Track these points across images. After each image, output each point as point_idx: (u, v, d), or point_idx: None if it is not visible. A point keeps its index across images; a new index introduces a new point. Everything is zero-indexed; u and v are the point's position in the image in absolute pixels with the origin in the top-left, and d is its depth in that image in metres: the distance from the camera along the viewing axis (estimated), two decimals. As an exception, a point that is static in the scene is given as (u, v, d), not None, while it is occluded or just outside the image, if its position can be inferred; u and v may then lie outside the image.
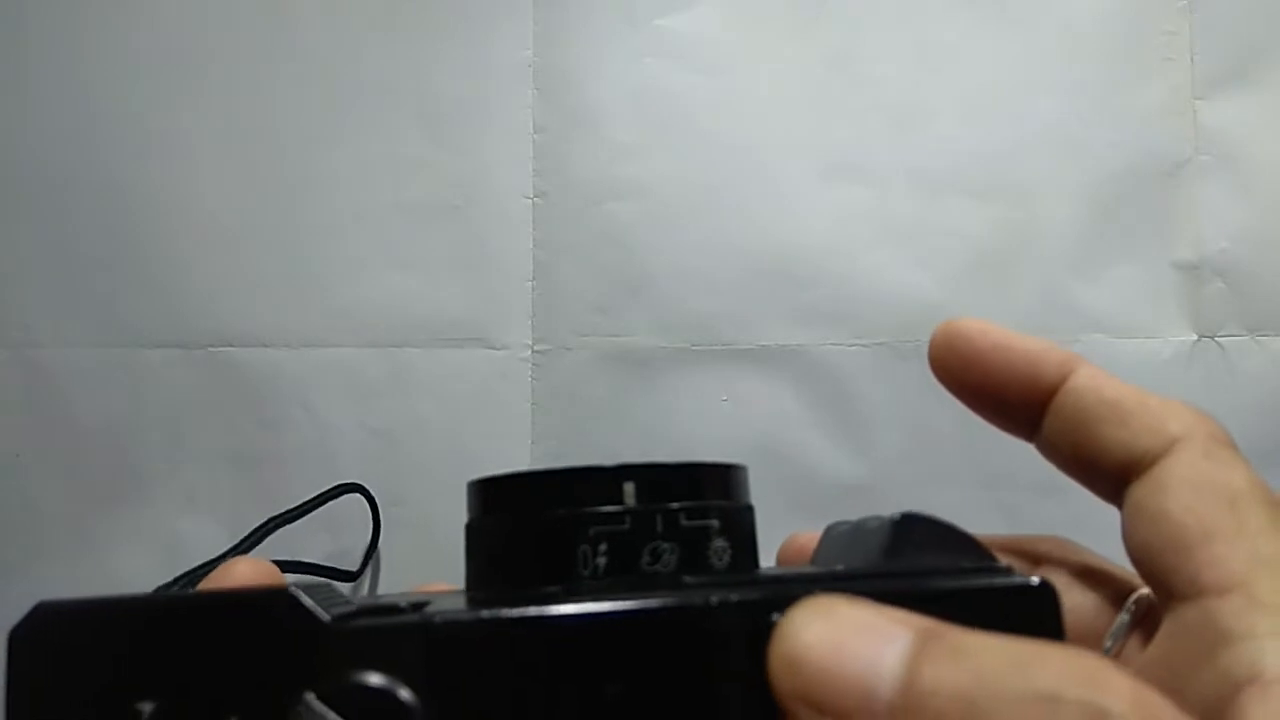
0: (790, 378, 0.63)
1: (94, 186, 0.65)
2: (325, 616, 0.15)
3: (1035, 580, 0.16)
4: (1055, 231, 0.65)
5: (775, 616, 0.15)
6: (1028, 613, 0.16)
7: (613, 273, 0.65)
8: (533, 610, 0.15)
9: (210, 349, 0.64)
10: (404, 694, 0.14)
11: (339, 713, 0.14)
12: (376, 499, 0.61)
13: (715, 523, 0.19)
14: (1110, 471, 0.19)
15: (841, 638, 0.14)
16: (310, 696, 0.14)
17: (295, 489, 0.62)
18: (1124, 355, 0.63)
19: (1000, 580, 0.16)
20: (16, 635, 0.15)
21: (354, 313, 0.65)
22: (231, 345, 0.64)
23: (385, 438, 0.63)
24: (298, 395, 0.64)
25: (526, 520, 0.18)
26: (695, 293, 0.64)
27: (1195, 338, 0.64)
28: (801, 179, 0.65)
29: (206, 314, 0.64)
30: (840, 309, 0.64)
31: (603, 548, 0.18)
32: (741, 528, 0.19)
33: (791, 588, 0.15)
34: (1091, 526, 0.23)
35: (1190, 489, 0.17)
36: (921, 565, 0.17)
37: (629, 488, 0.18)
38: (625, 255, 0.65)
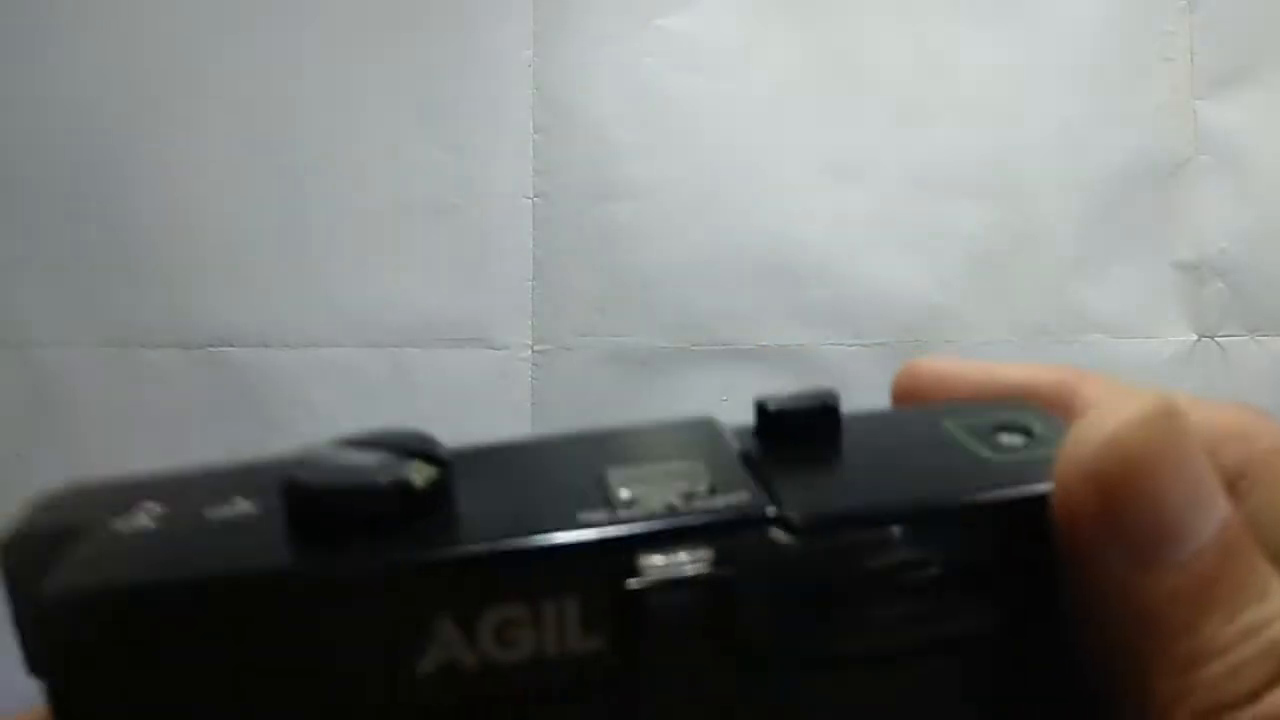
0: (790, 378, 0.63)
1: (95, 188, 0.65)
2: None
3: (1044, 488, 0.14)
4: (1055, 231, 0.65)
5: None
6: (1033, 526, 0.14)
7: (613, 273, 0.65)
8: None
9: (210, 349, 0.64)
10: None
11: None
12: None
13: None
14: None
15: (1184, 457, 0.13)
16: None
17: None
18: (1124, 355, 0.63)
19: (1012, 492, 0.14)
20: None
21: (354, 313, 0.65)
22: (231, 345, 0.64)
23: (385, 438, 0.63)
24: (298, 395, 0.64)
25: None
26: (695, 293, 0.64)
27: (1195, 338, 0.64)
28: (802, 179, 0.65)
29: (207, 314, 0.64)
30: (840, 309, 0.64)
31: None
32: None
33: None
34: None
35: None
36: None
37: None
38: (625, 255, 0.65)
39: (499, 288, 0.65)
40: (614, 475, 0.14)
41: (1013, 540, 0.14)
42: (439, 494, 0.13)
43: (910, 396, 0.18)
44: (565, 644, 0.13)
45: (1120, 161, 0.65)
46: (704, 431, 0.15)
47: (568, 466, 0.14)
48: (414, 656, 0.12)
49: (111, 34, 0.66)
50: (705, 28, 0.66)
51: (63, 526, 0.14)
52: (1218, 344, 0.63)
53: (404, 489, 0.13)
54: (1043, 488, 0.13)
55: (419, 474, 0.13)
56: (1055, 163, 0.65)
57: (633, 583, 0.13)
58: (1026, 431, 0.15)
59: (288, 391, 0.64)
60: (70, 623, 0.12)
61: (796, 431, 0.15)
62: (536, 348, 0.64)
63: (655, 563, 0.13)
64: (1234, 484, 0.15)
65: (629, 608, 0.13)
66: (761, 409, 0.15)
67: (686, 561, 0.13)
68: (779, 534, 0.13)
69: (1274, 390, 0.63)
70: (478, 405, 0.64)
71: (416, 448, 0.14)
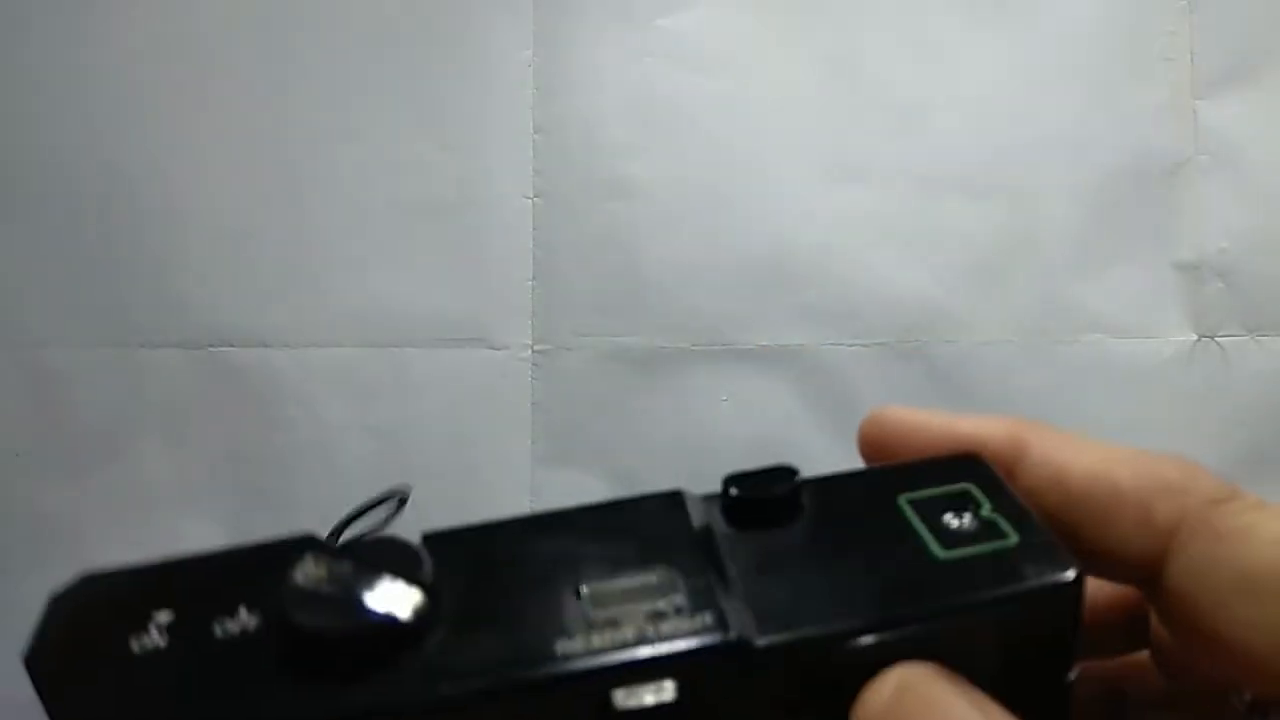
0: (790, 378, 0.63)
1: (94, 187, 0.65)
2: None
3: (1070, 574, 0.15)
4: (1055, 231, 0.65)
5: None
6: (1052, 611, 0.15)
7: (613, 273, 0.65)
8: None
9: (210, 349, 0.64)
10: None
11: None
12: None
13: None
14: (1117, 569, 0.17)
15: None
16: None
17: (295, 489, 0.62)
18: (1124, 355, 0.63)
19: (1033, 583, 0.15)
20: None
21: (354, 313, 0.65)
22: (231, 345, 0.64)
23: (385, 438, 0.63)
24: (298, 395, 0.64)
25: None
26: (695, 293, 0.64)
27: (1195, 338, 0.64)
28: (802, 179, 0.65)
29: (206, 314, 0.64)
30: (840, 309, 0.64)
31: None
32: None
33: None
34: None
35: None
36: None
37: None
38: (625, 255, 0.65)
39: (499, 288, 0.65)
40: (588, 593, 0.15)
41: (957, 648, 0.15)
42: (425, 625, 0.15)
43: (876, 443, 0.20)
44: None
45: (1120, 161, 0.65)
46: (673, 520, 0.17)
47: (547, 578, 0.16)
48: None
49: (110, 33, 0.66)
50: (705, 28, 0.66)
51: (81, 640, 0.16)
52: (1218, 344, 0.63)
53: (392, 624, 0.14)
54: (986, 594, 0.15)
55: (406, 606, 0.15)
56: (1055, 163, 0.65)
57: (606, 713, 0.14)
58: (974, 509, 0.16)
59: (288, 391, 0.64)
60: None
61: (760, 511, 0.17)
62: (536, 348, 0.64)
63: (625, 693, 0.14)
64: (1168, 538, 0.16)
65: None
66: (726, 489, 0.17)
67: (654, 691, 0.14)
68: (740, 660, 0.14)
69: (1274, 390, 0.63)
70: (478, 405, 0.64)
71: (403, 566, 0.15)
